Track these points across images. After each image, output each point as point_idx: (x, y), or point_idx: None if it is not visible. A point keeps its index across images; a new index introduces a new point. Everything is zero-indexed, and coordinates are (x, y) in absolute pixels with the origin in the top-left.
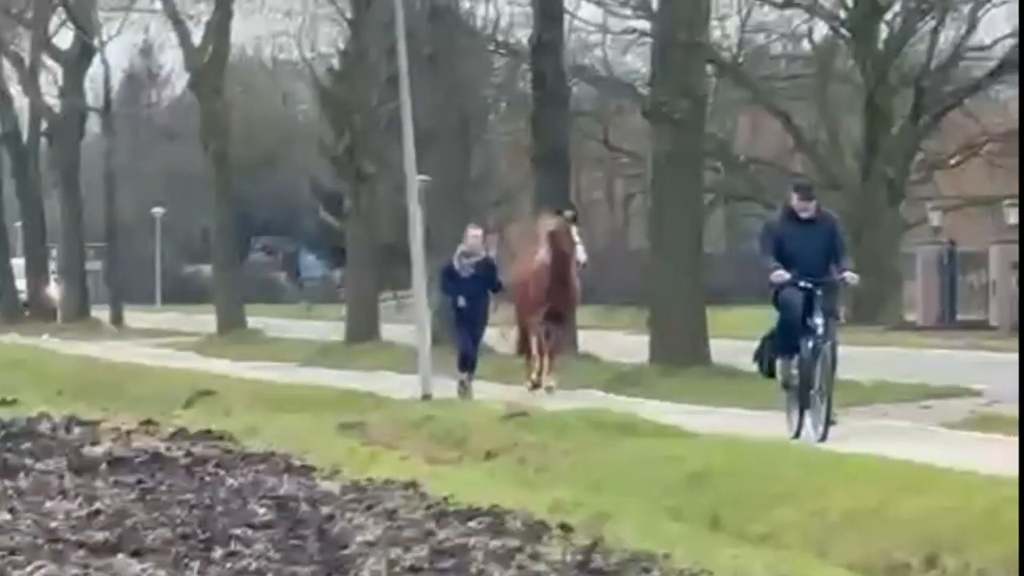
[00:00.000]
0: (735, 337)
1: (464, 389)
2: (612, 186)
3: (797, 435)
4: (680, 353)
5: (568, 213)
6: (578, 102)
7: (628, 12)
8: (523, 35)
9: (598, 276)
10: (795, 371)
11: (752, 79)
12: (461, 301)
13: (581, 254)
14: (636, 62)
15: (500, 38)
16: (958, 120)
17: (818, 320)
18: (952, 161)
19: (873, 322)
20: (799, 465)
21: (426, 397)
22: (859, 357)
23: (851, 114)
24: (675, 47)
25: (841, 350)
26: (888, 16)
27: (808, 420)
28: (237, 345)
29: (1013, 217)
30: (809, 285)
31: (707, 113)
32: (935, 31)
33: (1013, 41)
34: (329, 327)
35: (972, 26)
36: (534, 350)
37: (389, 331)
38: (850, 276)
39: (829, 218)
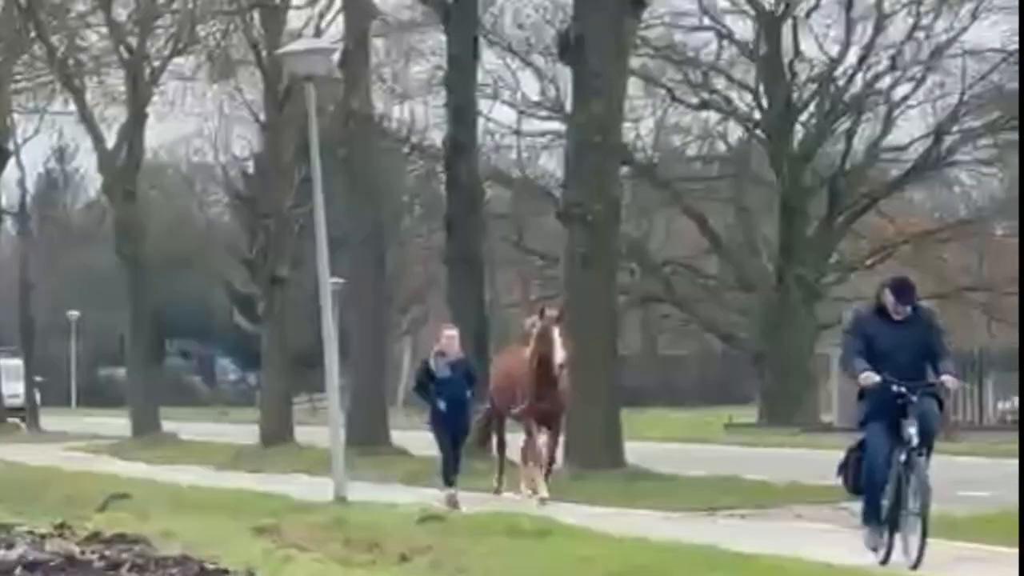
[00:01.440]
0: (650, 439)
1: (453, 502)
2: (527, 288)
3: (886, 560)
4: (595, 455)
5: (552, 312)
6: (493, 204)
7: (542, 114)
8: (438, 137)
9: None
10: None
11: (667, 180)
12: (441, 404)
13: (558, 355)
14: (550, 164)
15: (415, 140)
16: (874, 221)
17: (911, 429)
18: (868, 262)
19: (788, 423)
20: (711, 566)
21: (340, 499)
22: (774, 458)
23: (767, 215)
24: (588, 149)
25: (756, 451)
26: (803, 117)
27: (898, 543)
28: (152, 448)
29: None
30: (903, 389)
31: (622, 214)
32: (850, 132)
33: (927, 142)
34: (244, 430)
35: (887, 127)
36: (528, 457)
37: (304, 434)
38: (950, 380)
39: (927, 313)
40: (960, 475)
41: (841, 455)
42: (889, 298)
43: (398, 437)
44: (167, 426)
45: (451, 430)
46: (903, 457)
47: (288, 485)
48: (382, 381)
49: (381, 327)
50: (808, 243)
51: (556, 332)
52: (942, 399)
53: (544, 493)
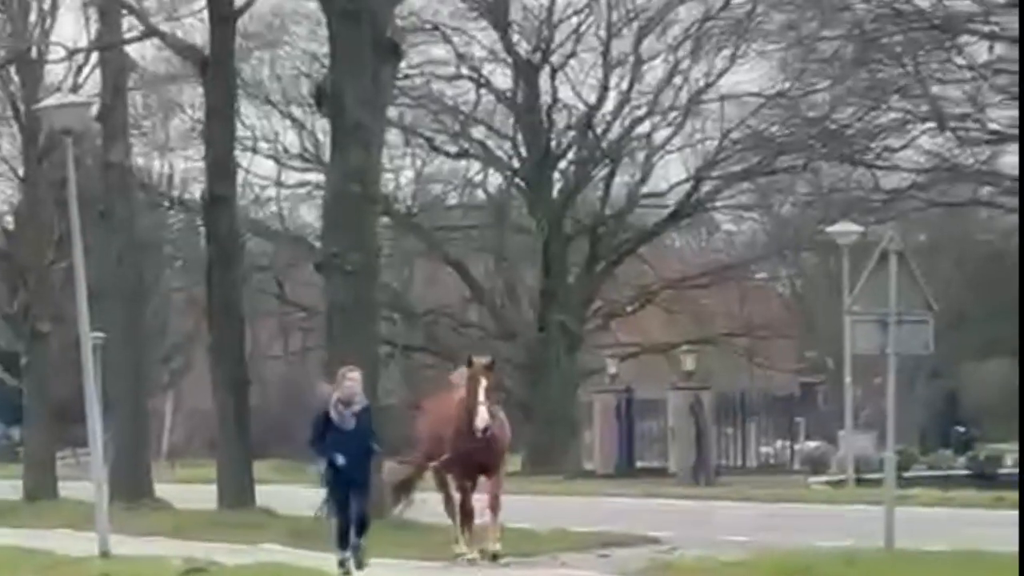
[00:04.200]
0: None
1: (346, 570)
2: (288, 340)
3: None
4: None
5: (481, 360)
6: (254, 256)
7: (302, 165)
8: (198, 190)
9: (278, 430)
10: None
11: (427, 230)
12: (341, 460)
13: (480, 419)
14: (310, 215)
15: (175, 193)
16: (634, 267)
17: None
18: (628, 308)
19: (552, 471)
20: None
21: (104, 555)
22: (537, 506)
23: (528, 263)
24: (346, 199)
25: (520, 499)
26: (562, 165)
27: None
28: None
29: (690, 363)
30: None
31: (381, 264)
32: (609, 179)
33: (687, 187)
34: (7, 486)
35: (646, 173)
36: (457, 515)
37: (69, 488)
38: None
39: None
40: (725, 520)
41: (604, 501)
42: None
43: (161, 490)
44: None
45: (354, 489)
46: None
47: (53, 540)
48: (145, 435)
49: (142, 381)
50: (569, 290)
51: (482, 387)
52: None
53: (496, 546)
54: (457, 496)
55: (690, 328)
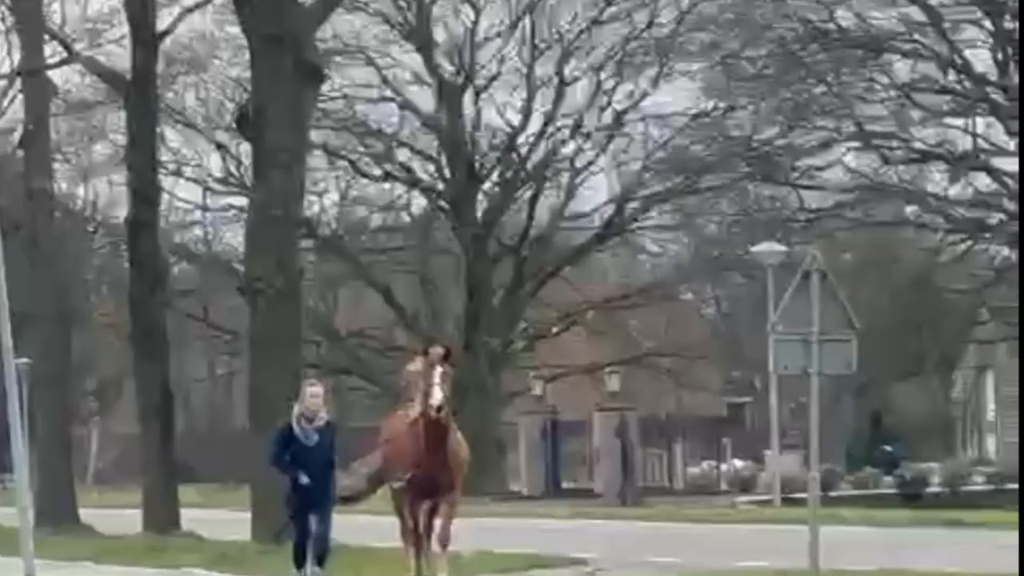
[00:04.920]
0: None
1: None
2: (214, 365)
3: None
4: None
5: (436, 350)
6: (178, 280)
7: (226, 189)
8: (123, 214)
9: (200, 454)
10: None
11: (351, 252)
12: (303, 478)
13: (435, 397)
14: (235, 239)
15: (99, 218)
16: (559, 289)
17: None
18: (554, 330)
19: (477, 492)
20: None
21: None
22: (463, 528)
23: (452, 284)
24: (269, 223)
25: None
26: (486, 186)
27: None
28: None
29: (615, 384)
30: None
31: (305, 288)
32: (533, 200)
33: (611, 208)
34: None
35: (570, 194)
36: (407, 538)
37: None
38: None
39: None
40: (652, 541)
41: (530, 523)
42: None
43: (87, 515)
44: None
45: (316, 508)
46: None
47: None
48: (70, 460)
49: (67, 406)
50: (494, 312)
51: (438, 372)
52: None
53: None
54: (410, 521)
55: (616, 349)
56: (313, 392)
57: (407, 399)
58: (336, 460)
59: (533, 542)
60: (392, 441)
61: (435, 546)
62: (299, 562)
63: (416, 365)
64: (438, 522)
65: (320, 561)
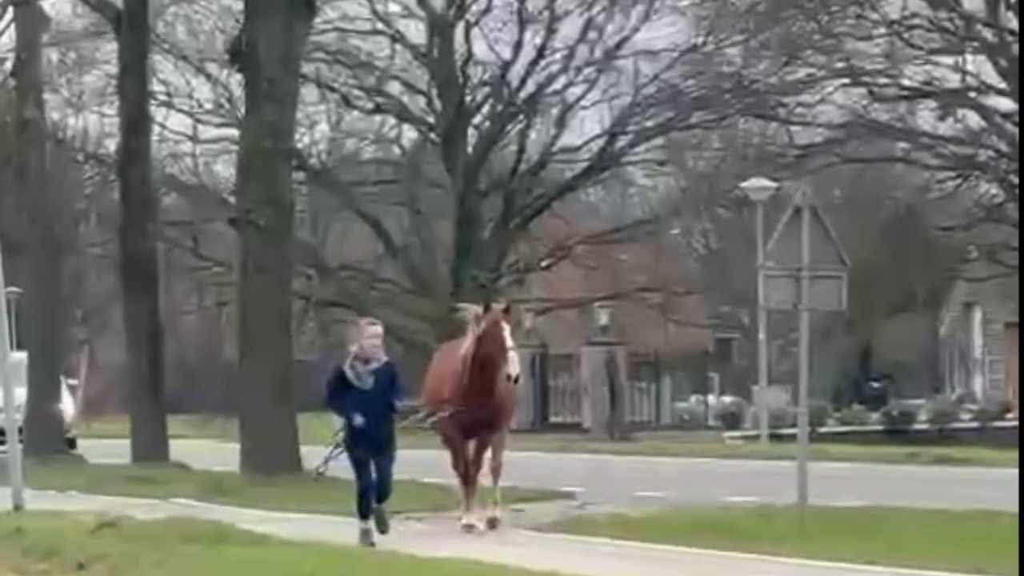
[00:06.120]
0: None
1: (369, 540)
2: (204, 296)
3: None
4: (272, 461)
5: (499, 304)
6: (169, 212)
7: (217, 121)
8: (113, 146)
9: (190, 385)
10: None
11: (342, 185)
12: (359, 420)
13: (513, 365)
14: (226, 171)
15: (90, 149)
16: (549, 223)
17: None
18: (543, 264)
19: None
20: (388, 570)
21: (17, 508)
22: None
23: (442, 218)
24: (260, 155)
25: (432, 454)
26: (476, 120)
27: None
28: None
29: (604, 319)
30: None
31: (296, 220)
32: (523, 134)
33: (601, 143)
34: None
35: (560, 129)
36: (458, 477)
37: None
38: None
39: None
40: (639, 475)
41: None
42: None
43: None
44: None
45: (374, 451)
46: None
47: None
48: (59, 390)
49: (57, 336)
50: (484, 246)
51: (507, 331)
52: None
53: (496, 512)
54: (454, 454)
55: (605, 284)
56: (373, 332)
57: (463, 332)
58: (398, 404)
59: (520, 475)
60: (440, 379)
61: (485, 479)
62: (363, 511)
63: (477, 312)
64: (488, 454)
65: (382, 498)
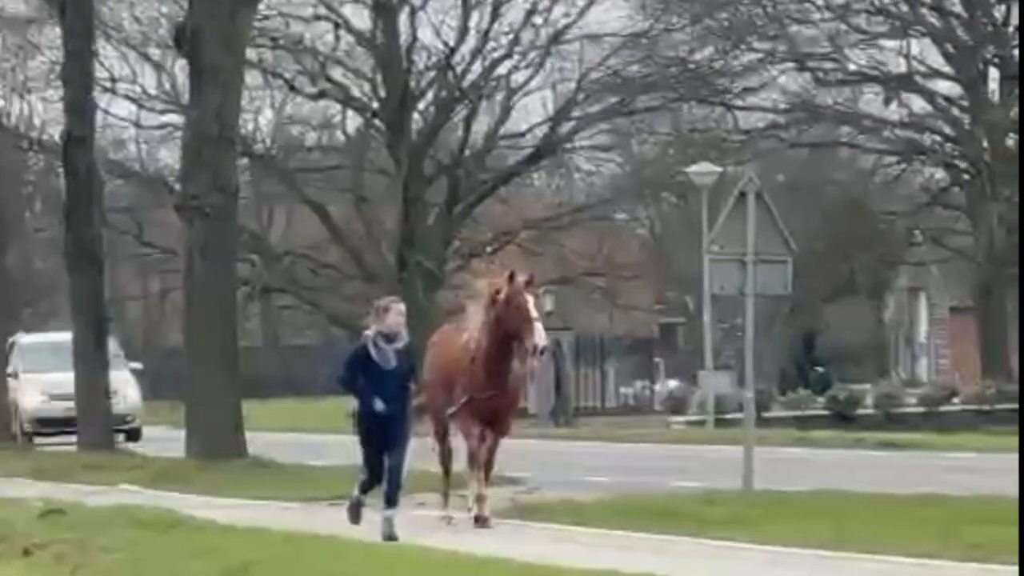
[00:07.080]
0: (274, 430)
1: (356, 514)
2: (148, 282)
3: None
4: (217, 447)
5: (521, 278)
6: (114, 198)
7: (161, 107)
8: (57, 132)
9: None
10: None
11: (286, 171)
12: (379, 405)
13: (540, 336)
14: (170, 157)
15: (34, 135)
16: (494, 208)
17: None
18: (488, 249)
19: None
20: (334, 556)
21: None
22: None
23: (387, 204)
24: (205, 141)
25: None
26: (421, 106)
27: None
28: None
29: (549, 304)
30: None
31: (240, 206)
32: (468, 120)
33: (545, 128)
34: None
35: (505, 114)
36: (471, 465)
37: None
38: None
39: None
40: (585, 460)
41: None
42: None
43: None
44: None
45: (388, 438)
46: None
47: None
48: (5, 375)
49: (3, 322)
50: (429, 231)
51: (532, 304)
52: None
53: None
54: (472, 443)
55: (550, 269)
56: (399, 310)
57: (462, 310)
58: (413, 387)
59: (465, 461)
60: (452, 364)
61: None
62: (367, 486)
63: (499, 286)
64: (486, 444)
65: (391, 499)
